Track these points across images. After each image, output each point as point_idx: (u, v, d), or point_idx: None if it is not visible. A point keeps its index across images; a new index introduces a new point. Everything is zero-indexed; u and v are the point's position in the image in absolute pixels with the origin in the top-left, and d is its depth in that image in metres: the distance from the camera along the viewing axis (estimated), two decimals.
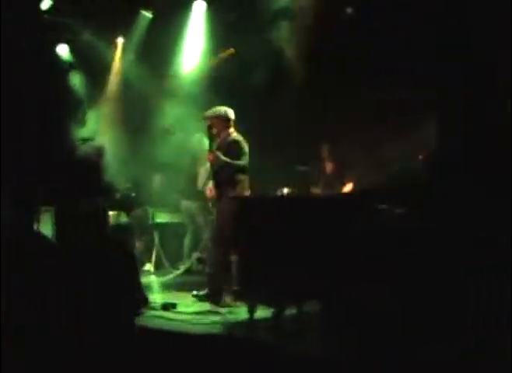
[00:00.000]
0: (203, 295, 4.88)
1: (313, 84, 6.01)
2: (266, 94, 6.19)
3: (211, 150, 4.82)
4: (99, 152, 4.48)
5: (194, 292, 5.00)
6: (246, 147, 4.87)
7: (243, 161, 4.79)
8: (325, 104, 6.12)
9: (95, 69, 6.03)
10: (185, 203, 6.39)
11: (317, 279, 3.79)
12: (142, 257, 6.52)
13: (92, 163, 4.50)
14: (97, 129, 5.06)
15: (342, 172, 6.23)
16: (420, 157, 4.91)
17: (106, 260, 3.94)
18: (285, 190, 5.41)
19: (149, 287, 5.60)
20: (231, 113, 4.99)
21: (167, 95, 6.81)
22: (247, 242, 4.31)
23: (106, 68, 6.67)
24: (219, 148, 4.90)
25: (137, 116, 6.85)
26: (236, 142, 4.86)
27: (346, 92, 5.97)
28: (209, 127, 4.81)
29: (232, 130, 4.95)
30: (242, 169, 4.79)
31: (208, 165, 6.06)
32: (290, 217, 4.04)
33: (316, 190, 6.15)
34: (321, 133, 6.26)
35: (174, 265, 6.58)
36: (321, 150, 6.40)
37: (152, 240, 6.65)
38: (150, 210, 6.66)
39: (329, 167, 6.36)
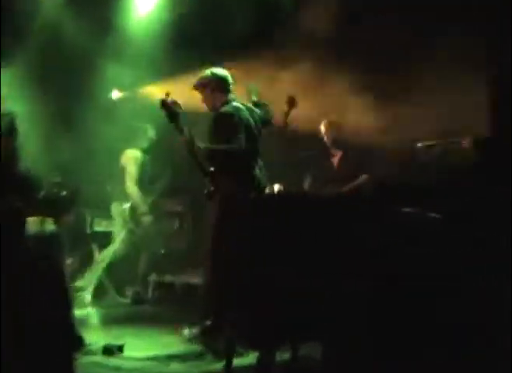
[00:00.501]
0: (197, 336, 4.77)
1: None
2: (249, 48, 6.20)
3: (182, 135, 4.57)
4: (10, 129, 4.19)
5: (186, 332, 4.86)
6: (239, 120, 4.64)
7: (235, 142, 4.55)
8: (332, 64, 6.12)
9: (5, 15, 5.87)
10: (116, 206, 6.54)
11: (318, 309, 3.70)
12: (76, 280, 6.42)
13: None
14: (8, 96, 4.98)
15: (355, 160, 6.09)
16: (464, 142, 4.89)
17: (24, 285, 3.83)
18: (277, 187, 5.22)
19: (85, 322, 5.51)
20: (223, 76, 4.82)
21: (112, 52, 6.71)
22: (222, 255, 4.36)
23: (22, 15, 6.50)
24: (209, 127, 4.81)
25: (70, 81, 6.75)
26: (221, 116, 4.64)
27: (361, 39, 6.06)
28: (164, 104, 4.57)
29: (230, 97, 4.78)
30: (231, 155, 4.59)
31: (138, 160, 6.39)
32: (282, 223, 3.95)
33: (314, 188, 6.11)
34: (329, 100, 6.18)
35: (122, 291, 6.54)
36: (324, 129, 6.24)
37: (91, 256, 6.57)
38: (88, 214, 6.64)
39: (337, 156, 6.22)
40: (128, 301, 6.45)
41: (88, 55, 6.74)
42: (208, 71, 4.82)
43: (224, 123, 4.64)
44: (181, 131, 4.57)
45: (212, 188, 4.61)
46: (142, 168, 6.53)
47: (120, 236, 6.50)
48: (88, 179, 6.43)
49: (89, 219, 6.64)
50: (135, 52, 6.64)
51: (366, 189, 5.72)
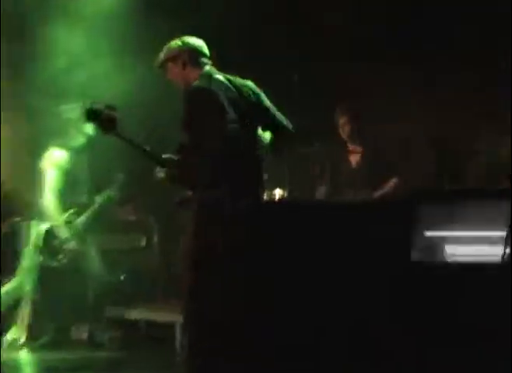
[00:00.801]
0: None
1: None
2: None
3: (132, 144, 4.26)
4: None
5: None
6: (217, 99, 4.19)
7: (211, 139, 4.10)
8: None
9: None
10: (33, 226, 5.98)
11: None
12: (4, 316, 5.97)
13: None
14: None
15: (379, 159, 5.74)
16: None
17: None
18: (278, 193, 5.20)
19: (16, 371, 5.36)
20: (197, 45, 4.49)
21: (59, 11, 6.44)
22: (204, 291, 4.07)
23: None
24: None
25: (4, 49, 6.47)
26: (191, 94, 4.19)
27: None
28: (93, 114, 4.27)
29: (208, 70, 4.39)
30: (205, 152, 4.13)
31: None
32: (285, 240, 3.91)
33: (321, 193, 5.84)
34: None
35: (67, 330, 6.02)
36: (338, 117, 5.87)
37: (23, 283, 6.03)
38: (25, 225, 6.08)
39: (356, 154, 5.83)
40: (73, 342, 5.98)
41: (27, 16, 6.52)
42: (177, 41, 4.49)
43: (195, 105, 4.18)
44: (123, 138, 4.27)
45: (186, 193, 4.26)
46: (70, 174, 5.98)
47: (27, 268, 5.89)
48: (26, 178, 6.16)
49: (24, 232, 6.06)
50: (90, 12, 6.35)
51: (397, 199, 5.31)
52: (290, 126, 4.43)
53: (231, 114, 4.19)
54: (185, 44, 4.41)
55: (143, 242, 6.53)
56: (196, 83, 4.22)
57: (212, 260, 4.02)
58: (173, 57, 4.40)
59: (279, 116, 4.46)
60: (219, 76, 4.34)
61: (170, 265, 6.31)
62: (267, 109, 4.37)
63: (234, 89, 4.33)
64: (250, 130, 4.32)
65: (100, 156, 6.07)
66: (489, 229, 4.01)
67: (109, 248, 6.32)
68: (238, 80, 4.38)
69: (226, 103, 4.20)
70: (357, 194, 5.61)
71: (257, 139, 4.42)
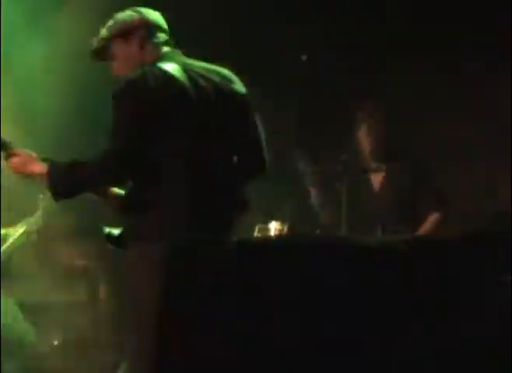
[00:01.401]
0: None
1: None
2: None
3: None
4: None
5: None
6: (153, 97, 3.68)
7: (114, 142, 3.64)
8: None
9: None
10: None
11: None
12: None
13: None
14: None
15: (413, 184, 5.32)
16: None
17: None
18: (274, 227, 5.04)
19: None
20: (156, 19, 4.07)
21: None
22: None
23: None
24: None
25: None
26: (117, 93, 3.75)
27: None
28: None
29: (164, 53, 3.95)
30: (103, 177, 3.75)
31: None
32: (285, 295, 3.58)
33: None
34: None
35: None
36: (361, 128, 5.46)
37: None
38: None
39: (379, 174, 5.41)
40: None
41: None
42: (129, 12, 3.98)
43: (122, 106, 3.66)
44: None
45: (119, 229, 3.67)
46: None
47: None
48: None
49: None
50: None
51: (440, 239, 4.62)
52: (267, 159, 3.88)
53: (183, 121, 3.59)
54: (142, 15, 3.90)
55: (84, 295, 5.61)
56: (134, 73, 3.64)
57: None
58: (127, 33, 3.81)
59: (262, 141, 3.93)
60: (173, 64, 3.74)
61: (121, 328, 5.25)
62: (249, 124, 3.82)
63: (198, 84, 3.73)
64: (216, 147, 3.72)
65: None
66: None
67: (37, 302, 5.46)
68: (211, 70, 3.80)
69: (174, 104, 3.65)
70: (382, 229, 5.14)
71: (226, 159, 3.82)
